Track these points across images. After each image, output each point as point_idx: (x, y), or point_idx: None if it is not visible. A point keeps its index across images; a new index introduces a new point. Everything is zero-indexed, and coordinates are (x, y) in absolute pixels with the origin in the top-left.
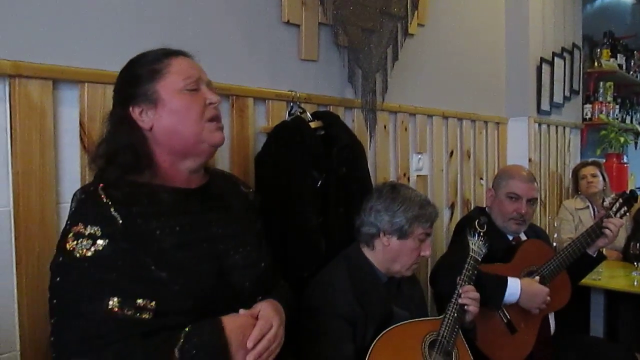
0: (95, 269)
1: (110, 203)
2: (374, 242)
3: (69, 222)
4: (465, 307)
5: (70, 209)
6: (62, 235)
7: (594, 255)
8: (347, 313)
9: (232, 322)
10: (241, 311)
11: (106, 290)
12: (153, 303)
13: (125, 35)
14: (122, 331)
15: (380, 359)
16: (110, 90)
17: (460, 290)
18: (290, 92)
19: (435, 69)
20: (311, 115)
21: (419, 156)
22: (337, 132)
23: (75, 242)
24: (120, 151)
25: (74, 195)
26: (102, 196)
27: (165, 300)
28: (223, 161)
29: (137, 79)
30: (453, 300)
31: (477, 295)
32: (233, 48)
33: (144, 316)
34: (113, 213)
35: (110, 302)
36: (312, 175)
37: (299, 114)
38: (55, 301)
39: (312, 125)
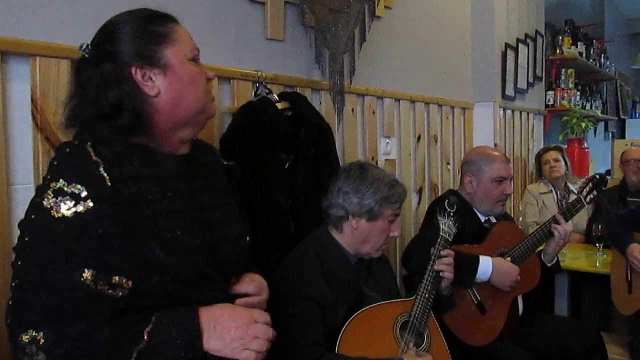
0: (73, 233)
1: (99, 161)
2: (343, 225)
3: (48, 177)
4: (441, 273)
5: (52, 163)
6: (38, 192)
7: (549, 265)
8: (317, 296)
9: (208, 313)
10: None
11: (81, 260)
12: (130, 282)
13: (82, 6)
14: (91, 307)
15: (352, 342)
16: (64, 65)
17: (434, 258)
18: (256, 72)
19: (402, 52)
20: (278, 96)
21: (387, 140)
22: (305, 113)
23: (54, 199)
24: (115, 111)
25: (57, 149)
26: (91, 153)
27: (147, 275)
28: None
29: (139, 38)
30: (426, 276)
31: (451, 260)
32: (196, 25)
33: (118, 293)
34: (102, 172)
35: (84, 274)
36: (280, 156)
37: (265, 94)
38: (20, 262)
39: (279, 106)
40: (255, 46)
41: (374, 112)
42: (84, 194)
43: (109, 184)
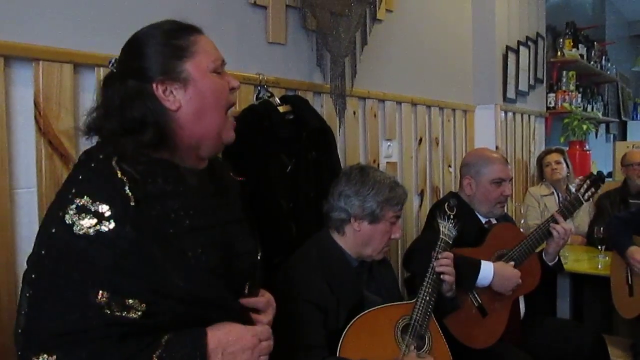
0: (92, 252)
1: (125, 180)
2: (345, 228)
3: (72, 191)
4: (442, 276)
5: (75, 176)
6: (59, 203)
7: (551, 264)
8: (318, 299)
9: (216, 335)
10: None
11: (97, 281)
12: (144, 305)
13: (84, 11)
14: (103, 329)
15: (354, 345)
16: (67, 69)
17: (434, 263)
18: (257, 76)
19: (403, 55)
20: (279, 99)
21: (389, 143)
22: (306, 116)
23: (77, 216)
24: (139, 127)
25: (81, 160)
26: (117, 170)
27: (162, 299)
28: None
29: (160, 53)
30: (426, 279)
31: (450, 261)
32: None
33: (131, 315)
34: (127, 192)
35: (99, 296)
36: (282, 160)
37: (267, 97)
38: (34, 276)
39: (281, 109)
40: (256, 50)
41: (375, 115)
42: (107, 213)
43: (133, 204)
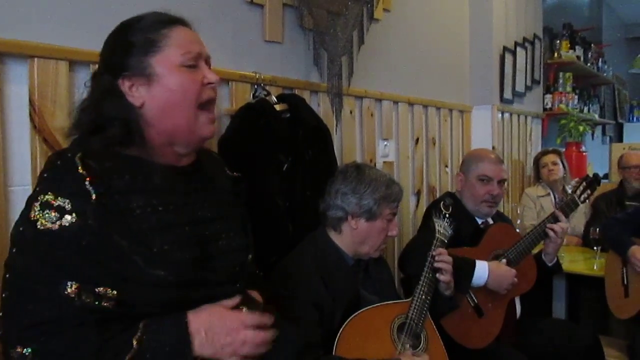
0: (57, 246)
1: (85, 175)
2: (342, 226)
3: (37, 189)
4: (438, 274)
5: (42, 175)
6: (27, 202)
7: (550, 264)
8: (314, 297)
9: (197, 318)
10: (225, 302)
11: (65, 273)
12: (115, 292)
13: (80, 8)
14: (77, 319)
15: (349, 344)
16: (62, 66)
17: (431, 259)
18: (254, 74)
19: (400, 55)
20: (276, 97)
21: (385, 142)
22: (303, 115)
23: (40, 213)
24: (107, 123)
25: (49, 158)
26: (79, 166)
27: (133, 287)
28: None
29: (129, 47)
30: (422, 277)
31: (450, 258)
32: (195, 26)
33: (104, 304)
34: (87, 187)
35: (68, 287)
36: (278, 158)
37: (263, 96)
38: (7, 275)
39: (278, 108)
40: (253, 48)
41: (372, 115)
42: (68, 207)
43: (94, 198)
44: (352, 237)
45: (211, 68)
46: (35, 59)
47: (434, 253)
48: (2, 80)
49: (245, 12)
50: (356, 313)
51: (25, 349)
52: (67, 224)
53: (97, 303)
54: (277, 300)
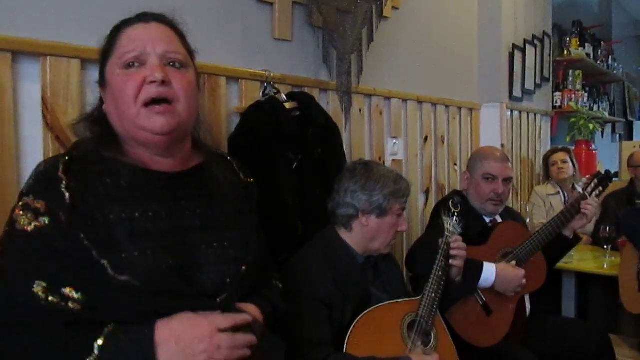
0: (31, 246)
1: (62, 178)
2: (352, 224)
3: (22, 192)
4: (451, 260)
5: (28, 177)
6: (15, 204)
7: (571, 237)
8: (324, 295)
9: (166, 327)
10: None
11: (35, 272)
12: (79, 294)
13: (91, 5)
14: (41, 319)
15: (360, 342)
16: (75, 64)
17: (444, 248)
18: (264, 72)
19: (409, 53)
20: (286, 95)
21: (394, 140)
22: (313, 113)
23: (21, 213)
24: (92, 123)
25: (38, 164)
26: (59, 170)
27: (102, 292)
28: None
29: (100, 58)
30: (432, 275)
31: (464, 245)
32: (204, 25)
33: (70, 305)
34: (62, 189)
35: (36, 286)
36: (288, 156)
37: (273, 94)
38: None
39: (287, 106)
40: (263, 46)
41: (381, 113)
42: (43, 209)
43: (68, 201)
44: (362, 234)
45: (217, 66)
46: (48, 58)
47: (450, 240)
48: (15, 78)
49: (255, 11)
50: (366, 311)
51: None
52: (41, 225)
53: (63, 304)
54: (287, 298)
